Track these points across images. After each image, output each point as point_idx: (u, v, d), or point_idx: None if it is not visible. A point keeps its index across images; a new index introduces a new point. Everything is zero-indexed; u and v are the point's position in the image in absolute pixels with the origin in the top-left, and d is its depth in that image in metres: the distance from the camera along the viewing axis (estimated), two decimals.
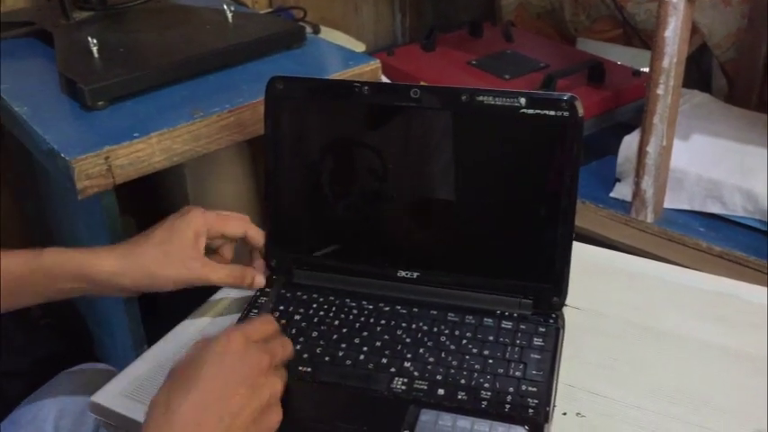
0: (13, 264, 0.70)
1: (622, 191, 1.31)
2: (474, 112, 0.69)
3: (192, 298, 0.80)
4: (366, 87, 0.72)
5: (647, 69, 1.20)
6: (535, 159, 0.70)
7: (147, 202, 1.42)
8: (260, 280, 0.76)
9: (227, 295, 0.79)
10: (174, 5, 1.22)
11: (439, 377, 0.65)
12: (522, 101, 0.68)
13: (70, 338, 1.31)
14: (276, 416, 0.57)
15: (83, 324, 1.27)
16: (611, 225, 1.28)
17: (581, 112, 0.67)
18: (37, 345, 1.26)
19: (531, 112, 0.68)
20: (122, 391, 0.68)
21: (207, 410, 0.53)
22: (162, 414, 0.52)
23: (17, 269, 0.69)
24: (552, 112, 0.67)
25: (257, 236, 0.77)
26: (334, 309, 0.73)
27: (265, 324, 0.62)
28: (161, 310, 1.29)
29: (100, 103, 0.93)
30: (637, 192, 1.24)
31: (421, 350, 0.67)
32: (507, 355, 0.67)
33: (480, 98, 0.69)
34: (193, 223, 0.73)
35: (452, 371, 0.65)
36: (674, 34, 1.10)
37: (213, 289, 0.80)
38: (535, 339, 0.68)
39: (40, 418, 0.75)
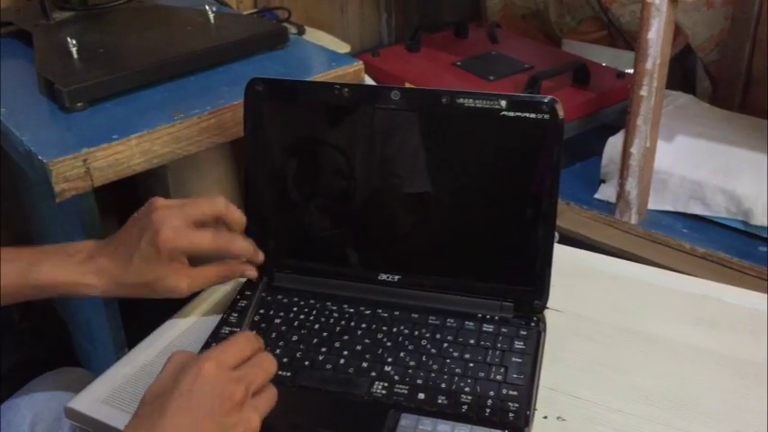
0: (8, 277, 0.69)
1: (607, 192, 1.32)
2: (454, 114, 0.69)
3: (170, 301, 0.79)
4: (346, 89, 0.71)
5: (631, 71, 1.20)
6: (516, 162, 0.70)
7: (130, 202, 1.41)
8: (252, 271, 0.75)
9: (207, 298, 0.78)
10: (154, 6, 1.21)
11: (419, 381, 0.64)
12: (503, 103, 0.68)
13: (50, 342, 1.30)
14: None
15: (63, 328, 1.26)
16: (595, 226, 1.28)
17: (561, 114, 0.66)
18: (17, 349, 1.25)
19: (511, 114, 0.68)
20: (99, 397, 0.67)
21: None
22: None
23: (11, 282, 0.69)
24: (533, 115, 0.67)
25: (235, 214, 0.73)
26: (314, 312, 0.72)
27: (243, 344, 0.58)
28: (144, 313, 1.28)
29: (78, 104, 0.92)
30: (621, 193, 1.24)
31: (401, 354, 0.67)
32: (488, 359, 0.66)
33: (461, 100, 0.69)
34: (161, 238, 0.69)
35: (433, 375, 0.65)
36: (656, 36, 1.10)
37: (195, 293, 0.79)
38: (516, 343, 0.68)
39: (16, 422, 0.74)
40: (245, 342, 0.58)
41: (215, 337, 0.70)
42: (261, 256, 0.74)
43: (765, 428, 0.62)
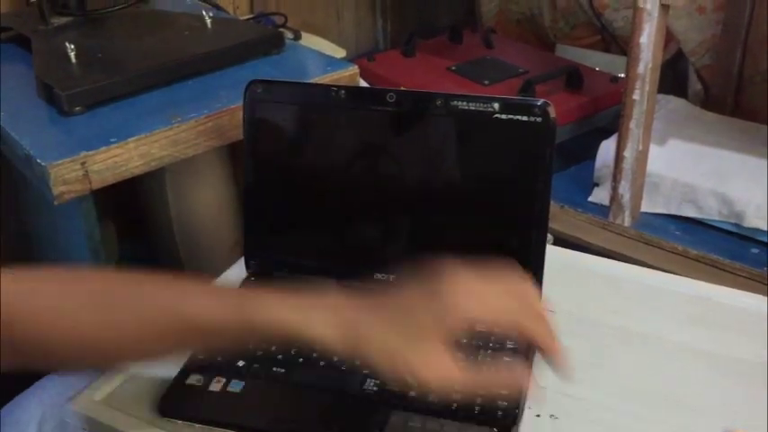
0: (218, 316, 0.56)
1: (600, 195, 1.33)
2: (448, 116, 0.70)
3: None
4: (343, 91, 0.72)
5: (624, 75, 1.21)
6: (509, 164, 0.71)
7: (127, 205, 1.42)
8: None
9: None
10: (152, 11, 1.22)
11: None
12: (496, 106, 0.69)
13: None
14: None
15: None
16: (589, 229, 1.29)
17: (554, 117, 0.67)
18: None
19: (504, 117, 0.69)
20: (99, 397, 0.68)
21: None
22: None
23: (221, 321, 0.56)
24: (525, 118, 0.68)
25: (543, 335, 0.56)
26: None
27: None
28: None
29: (77, 108, 0.93)
30: (614, 196, 1.26)
31: None
32: (479, 358, 0.67)
33: (454, 103, 0.70)
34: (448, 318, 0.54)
35: None
36: (648, 40, 1.12)
37: None
38: (508, 341, 0.69)
39: (23, 421, 0.74)
40: None
41: None
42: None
43: (756, 427, 0.63)
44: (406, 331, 0.54)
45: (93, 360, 0.60)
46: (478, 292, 0.56)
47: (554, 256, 0.75)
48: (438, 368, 0.53)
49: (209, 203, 1.37)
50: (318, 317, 0.55)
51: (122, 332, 0.57)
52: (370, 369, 0.59)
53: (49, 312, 0.56)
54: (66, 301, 0.57)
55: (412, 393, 0.63)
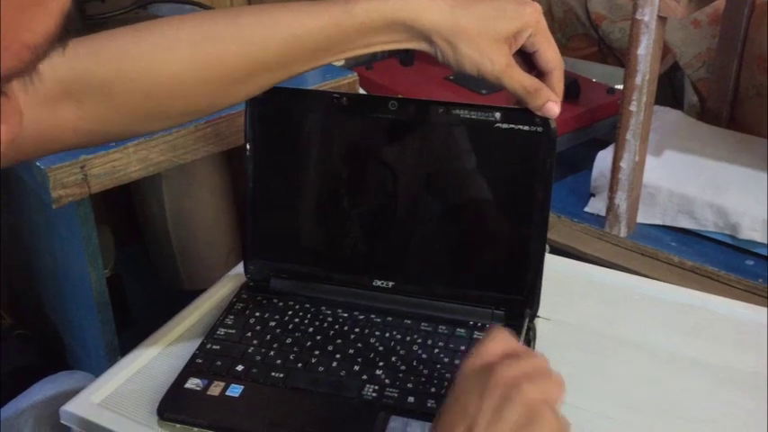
0: (319, 23, 0.60)
1: (597, 206, 1.33)
2: (449, 125, 0.71)
3: (164, 308, 0.80)
4: (345, 98, 0.72)
5: (621, 86, 1.22)
6: (509, 173, 0.72)
7: (124, 211, 1.42)
8: (553, 107, 0.66)
9: (203, 304, 0.79)
10: (150, 16, 1.23)
11: (410, 385, 0.65)
12: (497, 115, 0.69)
13: (43, 349, 1.30)
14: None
15: (56, 334, 1.26)
16: (585, 239, 1.30)
17: (554, 126, 0.68)
18: (9, 356, 1.25)
19: (505, 126, 0.69)
20: (96, 400, 0.67)
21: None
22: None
23: (323, 27, 0.60)
24: (526, 127, 0.69)
25: None
26: (309, 316, 0.73)
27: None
28: (133, 320, 1.29)
29: None
30: (610, 206, 1.26)
31: (393, 358, 0.68)
32: None
33: (456, 111, 0.70)
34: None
35: (423, 379, 0.66)
36: (646, 52, 1.12)
37: (187, 298, 0.80)
38: None
39: (18, 425, 0.74)
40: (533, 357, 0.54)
41: (210, 339, 0.71)
42: None
43: None
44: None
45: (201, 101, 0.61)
46: None
47: (552, 265, 0.75)
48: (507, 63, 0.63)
49: (205, 210, 1.37)
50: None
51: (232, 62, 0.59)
52: (459, 59, 0.64)
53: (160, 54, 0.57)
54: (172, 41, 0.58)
55: (410, 399, 0.64)
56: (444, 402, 0.52)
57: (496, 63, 0.63)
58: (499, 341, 0.54)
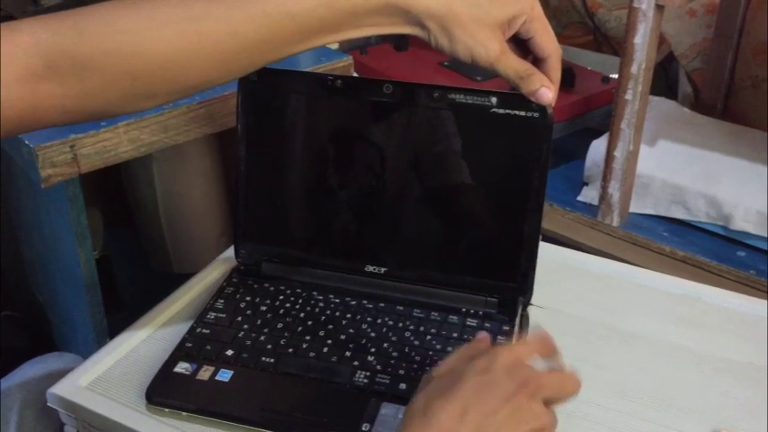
0: (311, 2, 0.58)
1: (589, 195, 1.33)
2: (445, 109, 0.70)
3: (153, 290, 0.79)
4: (339, 81, 0.71)
5: (616, 76, 1.22)
6: (505, 159, 0.71)
7: (114, 193, 1.40)
8: (547, 93, 0.65)
9: (194, 286, 0.78)
10: None
11: (401, 371, 0.65)
12: (494, 100, 0.68)
13: (31, 331, 1.29)
14: None
15: (44, 316, 1.25)
16: (577, 228, 1.30)
17: (551, 112, 0.67)
18: None
19: (501, 111, 0.68)
20: (83, 383, 0.67)
21: (464, 420, 0.49)
22: (420, 419, 0.50)
23: (315, 7, 0.58)
24: (523, 113, 0.68)
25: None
26: (300, 301, 0.72)
27: (537, 344, 0.56)
28: (123, 303, 1.28)
29: None
30: (603, 196, 1.26)
31: (385, 345, 0.68)
32: None
33: (452, 96, 0.69)
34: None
35: (415, 366, 0.65)
36: (643, 40, 1.12)
37: (177, 282, 0.79)
38: (499, 338, 0.69)
39: (5, 406, 0.73)
40: (539, 341, 0.56)
41: (200, 323, 0.70)
42: None
43: (744, 428, 0.63)
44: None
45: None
46: None
47: (546, 252, 0.75)
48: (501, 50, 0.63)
49: (196, 192, 1.36)
50: None
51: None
52: (453, 45, 0.63)
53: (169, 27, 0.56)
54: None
55: (402, 386, 0.63)
56: (432, 379, 0.52)
57: (490, 49, 0.62)
58: (537, 343, 0.56)
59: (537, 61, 0.66)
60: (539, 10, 0.64)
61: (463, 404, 0.49)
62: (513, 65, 0.64)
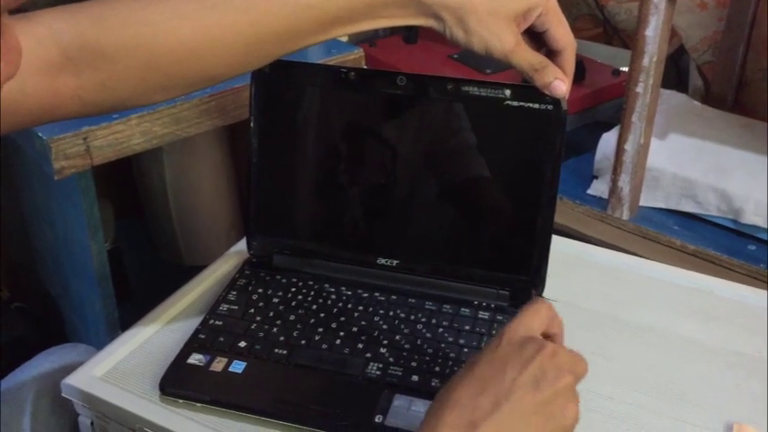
0: None
1: (599, 188, 1.33)
2: (458, 102, 0.70)
3: (164, 282, 0.79)
4: (352, 73, 0.71)
5: (626, 69, 1.21)
6: (518, 151, 0.71)
7: (124, 185, 1.41)
8: (560, 86, 0.64)
9: (207, 278, 0.79)
10: None
11: (414, 364, 0.65)
12: (507, 92, 0.68)
13: (42, 322, 1.30)
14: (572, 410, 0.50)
15: (55, 308, 1.26)
16: (587, 221, 1.29)
17: (565, 105, 0.67)
18: (7, 328, 1.25)
19: (515, 104, 0.68)
20: (97, 374, 0.67)
21: (485, 394, 0.48)
22: (438, 404, 0.49)
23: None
24: (536, 105, 0.68)
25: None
26: (312, 293, 0.73)
27: (546, 315, 0.54)
28: (133, 294, 1.29)
29: None
30: (613, 189, 1.25)
31: (397, 337, 0.68)
32: (482, 345, 0.67)
33: (465, 88, 0.69)
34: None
35: (427, 358, 0.66)
36: (654, 33, 1.11)
37: (187, 274, 0.79)
38: None
39: (20, 397, 0.73)
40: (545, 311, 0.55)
41: (213, 314, 0.70)
42: None
43: (756, 420, 0.63)
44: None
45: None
46: None
47: (556, 245, 0.75)
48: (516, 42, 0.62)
49: (206, 184, 1.36)
50: None
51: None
52: (468, 36, 0.62)
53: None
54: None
55: (414, 378, 0.63)
56: (464, 369, 0.51)
57: (505, 41, 0.62)
58: (541, 313, 0.54)
59: (551, 54, 0.66)
60: (554, 2, 0.64)
61: (481, 380, 0.49)
62: (527, 57, 0.64)
